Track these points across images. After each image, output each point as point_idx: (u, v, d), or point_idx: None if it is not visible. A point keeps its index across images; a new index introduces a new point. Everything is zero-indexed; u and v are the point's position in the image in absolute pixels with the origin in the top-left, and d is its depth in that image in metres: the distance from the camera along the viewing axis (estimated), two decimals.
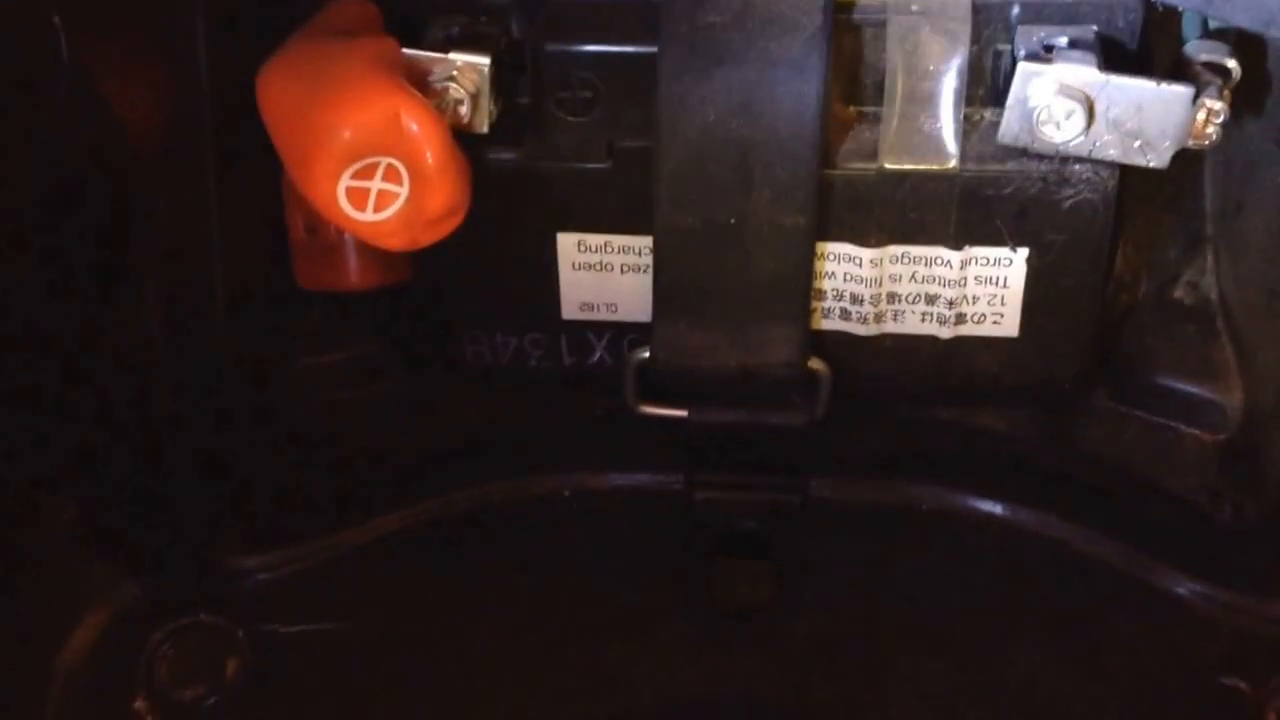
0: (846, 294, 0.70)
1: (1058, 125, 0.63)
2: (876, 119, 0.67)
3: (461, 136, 0.65)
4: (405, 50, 0.65)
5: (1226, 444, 0.73)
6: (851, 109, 0.68)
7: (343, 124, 0.62)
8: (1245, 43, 0.65)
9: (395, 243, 0.65)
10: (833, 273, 0.69)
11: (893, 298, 0.70)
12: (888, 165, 0.66)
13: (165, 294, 0.66)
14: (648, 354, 0.71)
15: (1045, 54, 0.63)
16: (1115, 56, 0.64)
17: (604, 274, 0.71)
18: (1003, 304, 0.69)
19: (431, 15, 0.68)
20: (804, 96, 0.64)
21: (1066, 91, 0.62)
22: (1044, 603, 0.70)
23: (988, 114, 0.66)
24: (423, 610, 0.70)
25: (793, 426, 0.72)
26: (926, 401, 0.74)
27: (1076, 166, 0.65)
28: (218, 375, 0.71)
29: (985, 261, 0.68)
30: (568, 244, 0.71)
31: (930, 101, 0.65)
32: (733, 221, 0.66)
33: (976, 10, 0.64)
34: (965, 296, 0.69)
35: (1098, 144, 0.63)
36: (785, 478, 0.74)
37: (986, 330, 0.70)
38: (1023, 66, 0.63)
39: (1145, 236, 0.74)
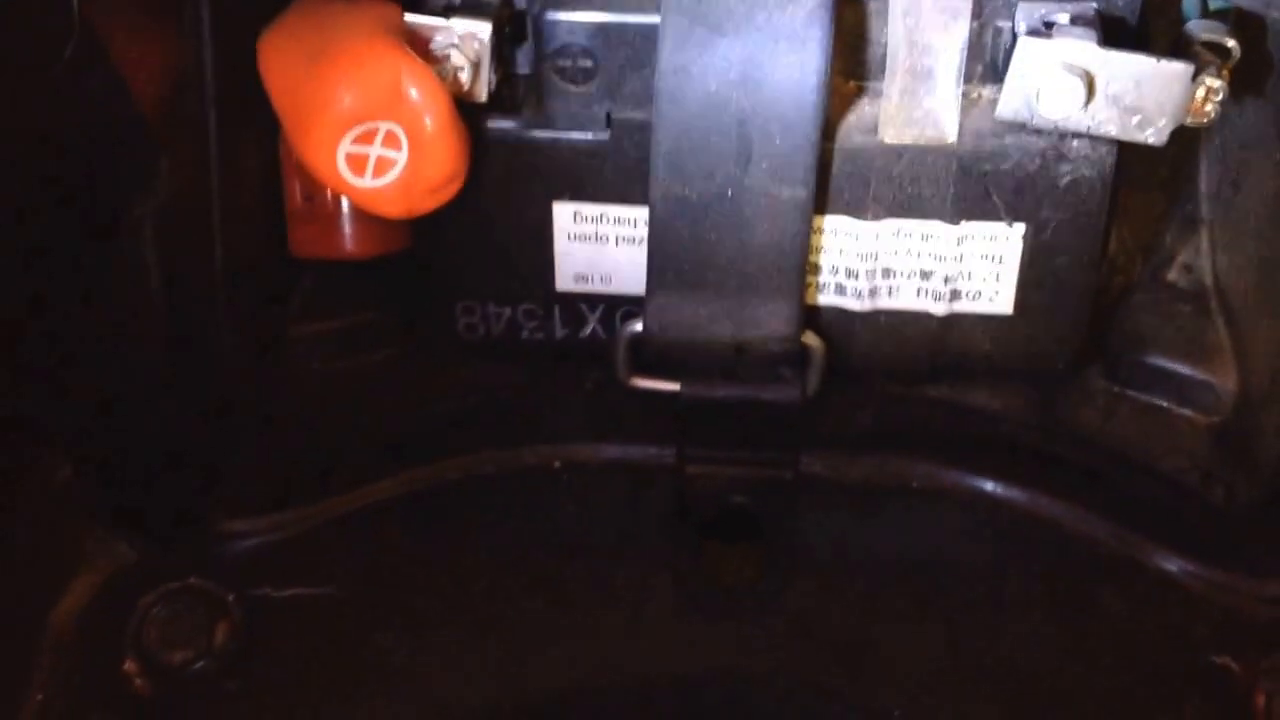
0: (842, 268, 0.70)
1: (1057, 101, 0.63)
2: (877, 94, 0.67)
3: (461, 105, 0.65)
4: (407, 16, 0.65)
5: (1219, 425, 0.73)
6: (851, 83, 0.68)
7: (343, 88, 0.63)
8: (1245, 23, 0.65)
9: (393, 209, 0.66)
10: (829, 247, 0.69)
11: (888, 273, 0.70)
12: (887, 139, 0.66)
13: (163, 257, 0.66)
14: (640, 326, 0.71)
15: (1046, 30, 0.64)
16: (1115, 34, 0.64)
17: (599, 245, 0.71)
18: (998, 280, 0.69)
19: None
20: (805, 69, 0.64)
21: (1066, 67, 0.62)
22: (1034, 581, 0.70)
23: (987, 90, 0.67)
24: (412, 577, 0.70)
25: (785, 401, 0.72)
26: (920, 378, 0.74)
27: (1075, 143, 0.65)
28: (213, 340, 0.70)
29: (982, 237, 0.68)
30: (563, 214, 0.71)
31: (931, 77, 0.65)
32: (730, 193, 0.66)
33: None
34: (961, 272, 0.69)
35: (1096, 120, 0.63)
36: (776, 453, 0.74)
37: (981, 307, 0.70)
38: (1023, 41, 0.63)
39: (1141, 216, 0.75)
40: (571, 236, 0.71)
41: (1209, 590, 0.69)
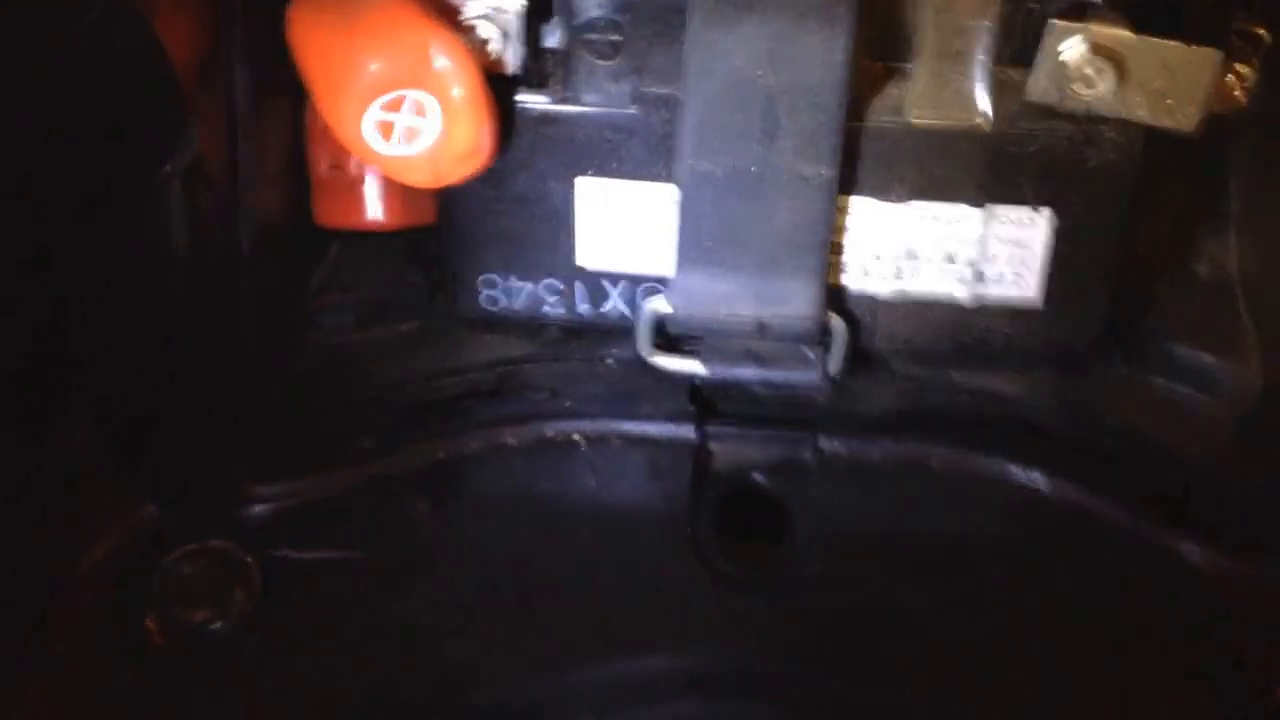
0: (867, 250, 0.70)
1: (1087, 83, 0.62)
2: (904, 74, 0.67)
3: (489, 77, 0.65)
4: None
5: (1243, 414, 0.73)
6: (880, 63, 0.68)
7: (372, 56, 0.63)
8: (1277, 13, 0.65)
9: (419, 178, 0.66)
10: (854, 227, 0.69)
11: (913, 255, 0.70)
12: (914, 120, 0.66)
13: (189, 218, 0.66)
14: (663, 303, 0.71)
15: (1078, 12, 0.63)
16: (1149, 17, 0.64)
17: (623, 221, 0.71)
18: (1023, 264, 0.69)
19: None
20: (832, 47, 0.63)
21: (1097, 50, 0.62)
22: (1055, 567, 0.70)
23: (1016, 72, 0.66)
24: (431, 546, 0.70)
25: (806, 382, 0.72)
26: (943, 361, 0.74)
27: (1104, 127, 0.65)
28: (236, 304, 0.71)
29: (1007, 221, 0.68)
30: (587, 189, 0.70)
31: (960, 57, 0.65)
32: (755, 170, 0.66)
33: None
34: (986, 256, 0.69)
35: (1126, 104, 0.63)
36: (797, 432, 0.74)
37: (1006, 291, 0.70)
38: (1054, 23, 0.63)
39: (1168, 205, 0.74)
40: (595, 212, 0.71)
41: (1230, 577, 0.69)
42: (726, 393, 0.74)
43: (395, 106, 0.63)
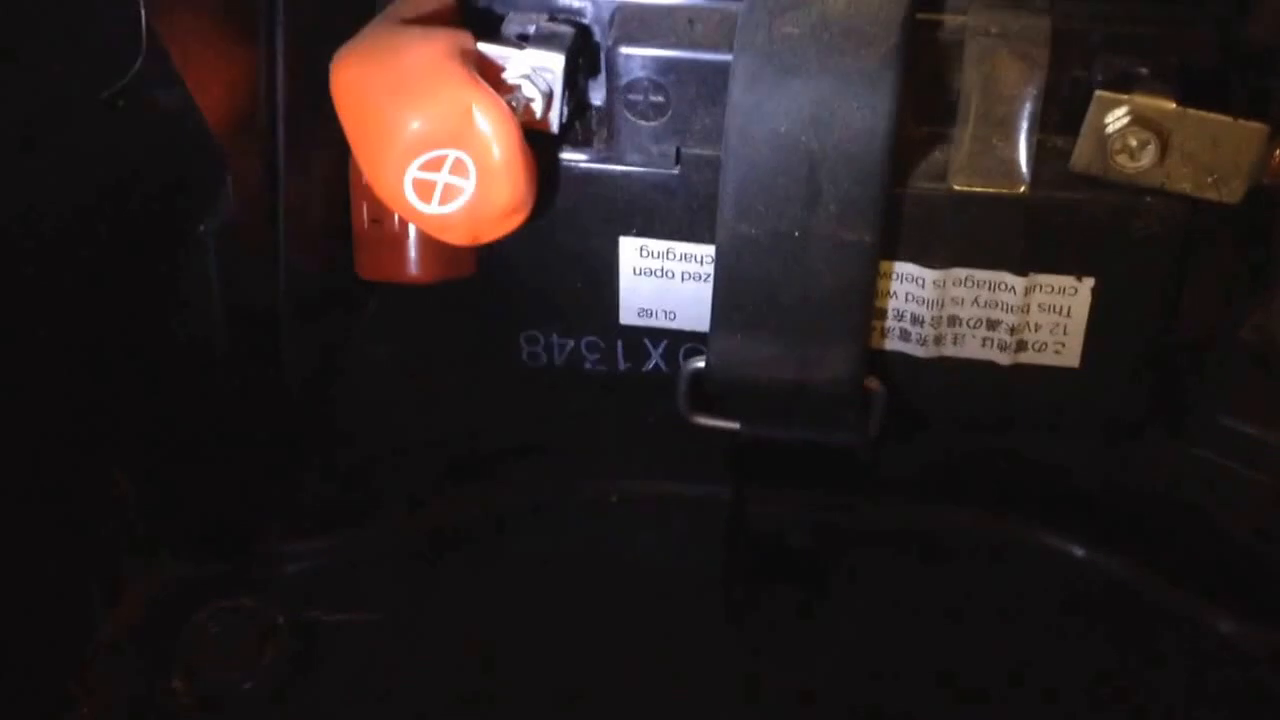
0: (907, 314, 0.69)
1: (1131, 155, 0.62)
2: (947, 139, 0.66)
3: (532, 134, 0.65)
4: (480, 45, 0.65)
5: None
6: (923, 128, 0.67)
7: (413, 114, 0.63)
8: None
9: (458, 236, 0.66)
10: (895, 292, 0.69)
11: (954, 321, 0.69)
12: (957, 186, 0.66)
13: (226, 275, 0.66)
14: (703, 363, 0.71)
15: (1122, 83, 0.63)
16: (1194, 89, 0.63)
17: (664, 281, 0.71)
18: (1065, 333, 0.69)
19: (508, 11, 0.68)
20: (876, 112, 0.63)
21: (1141, 121, 0.62)
22: (1092, 638, 0.70)
23: (1061, 140, 0.65)
24: (464, 606, 0.70)
25: (845, 445, 0.71)
26: (983, 428, 0.74)
27: (1148, 198, 0.64)
28: (274, 359, 0.71)
29: (1050, 289, 0.68)
30: (630, 249, 0.70)
31: (1004, 124, 0.65)
32: (797, 234, 0.66)
33: (1056, 35, 0.64)
34: (1027, 324, 0.69)
35: (1170, 176, 0.62)
36: (834, 496, 0.73)
37: (1047, 359, 0.70)
38: (1099, 95, 0.62)
39: (1213, 275, 0.74)
40: (637, 271, 0.71)
41: (1269, 654, 0.68)
42: (765, 454, 0.74)
43: (436, 166, 0.63)
